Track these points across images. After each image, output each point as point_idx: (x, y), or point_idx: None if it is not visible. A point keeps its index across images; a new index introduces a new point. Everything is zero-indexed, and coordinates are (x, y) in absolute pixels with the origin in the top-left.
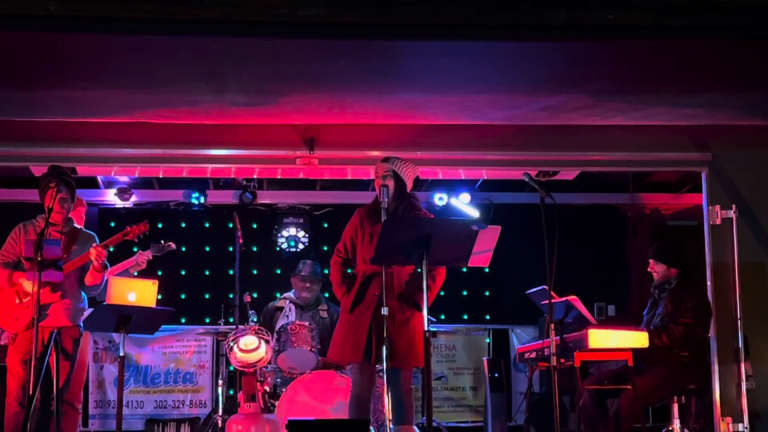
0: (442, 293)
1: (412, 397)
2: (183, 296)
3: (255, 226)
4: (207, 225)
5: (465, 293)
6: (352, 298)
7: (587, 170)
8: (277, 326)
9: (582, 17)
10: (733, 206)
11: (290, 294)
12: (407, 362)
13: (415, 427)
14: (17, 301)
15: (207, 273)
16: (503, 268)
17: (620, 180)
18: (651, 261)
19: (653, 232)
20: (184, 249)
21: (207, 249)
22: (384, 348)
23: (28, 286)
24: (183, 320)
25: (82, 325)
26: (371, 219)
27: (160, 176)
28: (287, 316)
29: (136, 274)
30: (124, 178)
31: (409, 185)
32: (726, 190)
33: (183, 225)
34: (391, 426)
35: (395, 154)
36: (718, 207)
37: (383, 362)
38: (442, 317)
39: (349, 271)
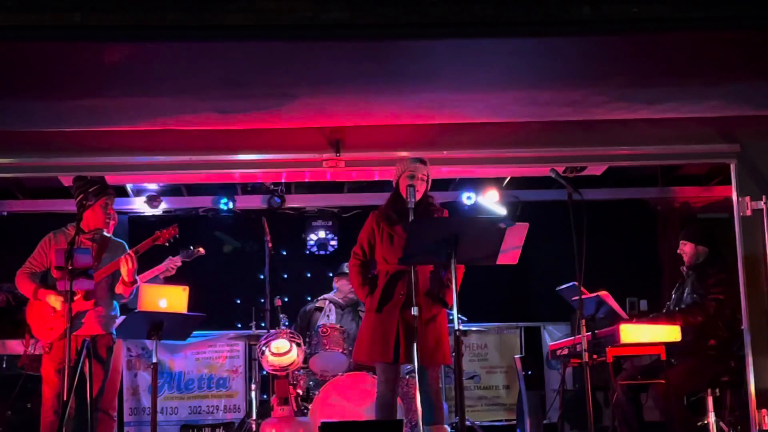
0: (468, 291)
1: (441, 396)
2: (214, 302)
3: (284, 230)
4: (236, 230)
5: (495, 292)
6: (377, 298)
7: (615, 165)
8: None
9: (605, 11)
10: (764, 197)
11: (330, 295)
12: (435, 360)
13: (447, 426)
14: (53, 311)
15: (237, 278)
16: (533, 265)
17: (649, 174)
18: (680, 242)
19: (683, 225)
20: (214, 254)
21: (237, 254)
22: (414, 347)
23: (54, 302)
24: (215, 325)
25: (115, 332)
26: (389, 220)
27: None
28: (327, 316)
29: (164, 279)
30: (153, 186)
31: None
32: (756, 181)
33: (213, 231)
34: (424, 426)
35: (421, 155)
36: (748, 198)
37: (412, 361)
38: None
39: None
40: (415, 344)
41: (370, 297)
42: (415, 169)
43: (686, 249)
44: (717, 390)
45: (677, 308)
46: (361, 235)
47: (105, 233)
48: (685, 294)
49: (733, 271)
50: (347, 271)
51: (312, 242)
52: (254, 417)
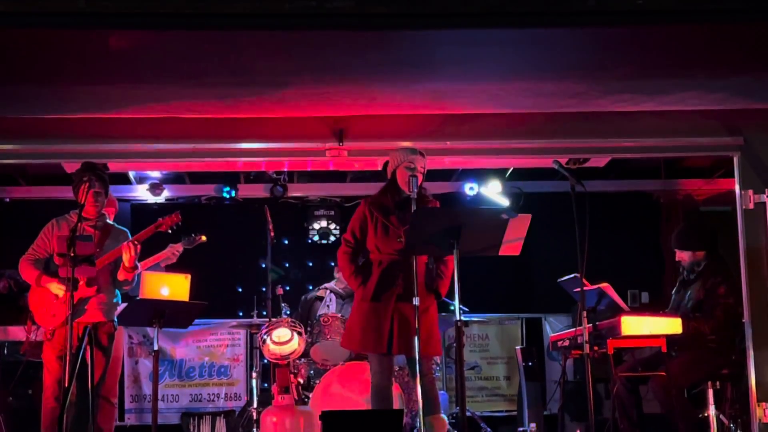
0: (470, 281)
1: (435, 386)
2: (216, 290)
3: (286, 219)
4: (238, 219)
5: (497, 282)
6: (372, 288)
7: (618, 157)
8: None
9: (610, 3)
10: (766, 190)
11: (331, 284)
12: (427, 351)
13: (444, 416)
14: (55, 298)
15: (239, 266)
16: (535, 256)
17: (652, 166)
18: (676, 251)
19: (686, 217)
20: (216, 243)
21: (239, 242)
22: (416, 338)
23: (56, 290)
24: (216, 314)
25: (116, 320)
26: (384, 210)
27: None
28: (328, 306)
29: (165, 267)
30: (156, 174)
31: None
32: (758, 174)
33: (215, 219)
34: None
35: (423, 145)
36: (750, 191)
37: (404, 352)
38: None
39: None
40: (416, 335)
41: (363, 287)
42: (415, 161)
43: (684, 257)
44: (717, 383)
45: (687, 315)
46: (352, 223)
47: (108, 220)
48: (687, 298)
49: (732, 266)
50: None
51: (314, 231)
52: (255, 405)
